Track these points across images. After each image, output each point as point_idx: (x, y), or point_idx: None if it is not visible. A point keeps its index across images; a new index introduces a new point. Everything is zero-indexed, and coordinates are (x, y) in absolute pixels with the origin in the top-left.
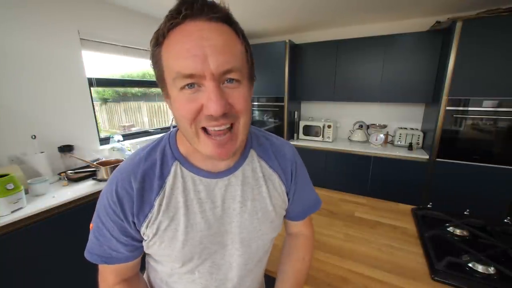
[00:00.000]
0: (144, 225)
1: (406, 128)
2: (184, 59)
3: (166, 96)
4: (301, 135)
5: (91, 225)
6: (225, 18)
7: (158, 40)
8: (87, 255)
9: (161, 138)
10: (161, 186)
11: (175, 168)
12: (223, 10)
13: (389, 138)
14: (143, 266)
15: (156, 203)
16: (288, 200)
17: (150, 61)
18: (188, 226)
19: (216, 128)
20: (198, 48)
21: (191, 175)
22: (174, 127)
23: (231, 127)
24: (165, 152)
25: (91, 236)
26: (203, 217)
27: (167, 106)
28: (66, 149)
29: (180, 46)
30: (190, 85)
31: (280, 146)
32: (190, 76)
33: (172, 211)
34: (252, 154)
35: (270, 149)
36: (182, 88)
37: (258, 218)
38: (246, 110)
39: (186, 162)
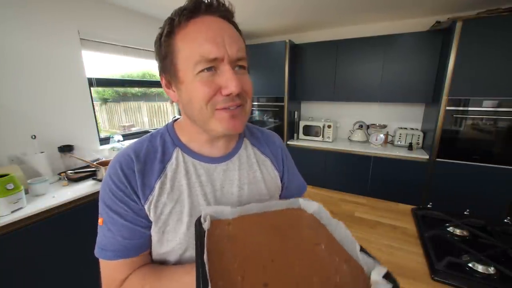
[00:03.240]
0: (146, 206)
1: (406, 128)
2: (208, 44)
3: (175, 82)
4: (301, 135)
5: (100, 219)
6: (232, 20)
7: (173, 30)
8: (100, 253)
9: (159, 129)
10: (162, 169)
11: (177, 154)
12: (232, 14)
13: (389, 138)
14: None
15: (157, 186)
16: (283, 185)
17: (157, 51)
18: (192, 208)
19: (232, 108)
20: (219, 36)
21: (191, 160)
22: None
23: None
24: (165, 140)
25: (102, 231)
26: (205, 200)
27: (170, 95)
28: (66, 149)
29: (202, 34)
30: (209, 68)
31: (269, 135)
32: (214, 60)
33: (177, 194)
34: (246, 142)
35: (261, 138)
36: (201, 71)
37: (256, 201)
38: (251, 93)
39: (186, 149)
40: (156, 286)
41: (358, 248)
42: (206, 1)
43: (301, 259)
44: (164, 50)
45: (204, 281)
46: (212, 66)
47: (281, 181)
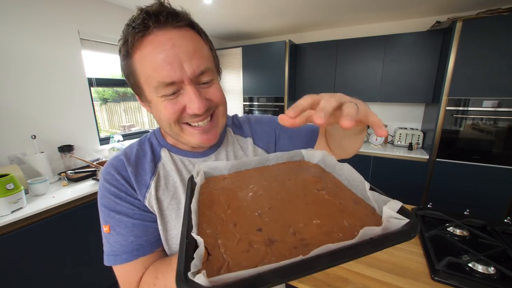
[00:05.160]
0: (146, 203)
1: (406, 128)
2: (162, 69)
3: (144, 100)
4: None
5: (105, 227)
6: (189, 23)
7: (128, 52)
8: (113, 259)
9: (146, 134)
10: (154, 168)
11: (165, 154)
12: (186, 17)
13: (389, 138)
14: None
15: (153, 183)
16: (281, 143)
17: (121, 72)
18: None
19: (200, 123)
20: (173, 56)
21: (180, 158)
22: None
23: (211, 116)
24: (152, 143)
25: (111, 237)
26: None
27: (144, 107)
28: (66, 149)
29: (155, 57)
30: (172, 92)
31: (243, 118)
32: (171, 84)
33: (172, 190)
34: (229, 130)
35: (238, 123)
36: (163, 95)
37: None
38: (222, 100)
39: (173, 148)
40: (168, 270)
41: (367, 187)
42: (153, 17)
43: (301, 204)
44: (126, 71)
45: (189, 227)
46: (173, 90)
47: (276, 145)
